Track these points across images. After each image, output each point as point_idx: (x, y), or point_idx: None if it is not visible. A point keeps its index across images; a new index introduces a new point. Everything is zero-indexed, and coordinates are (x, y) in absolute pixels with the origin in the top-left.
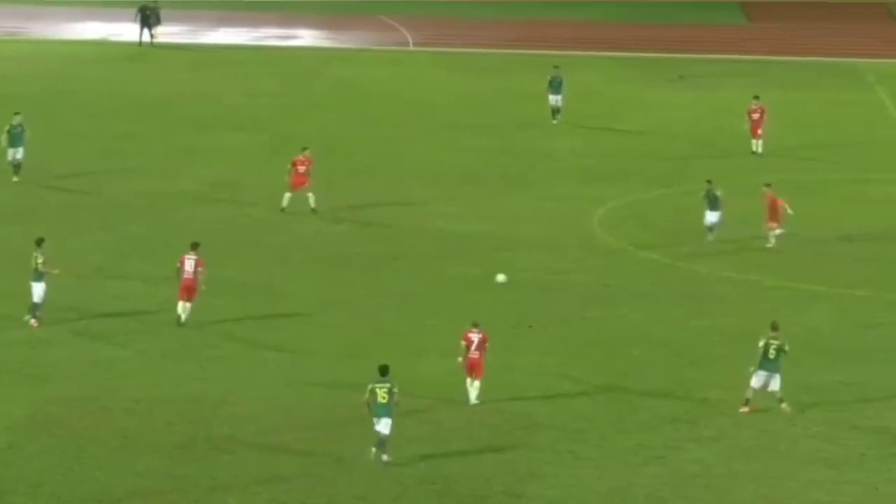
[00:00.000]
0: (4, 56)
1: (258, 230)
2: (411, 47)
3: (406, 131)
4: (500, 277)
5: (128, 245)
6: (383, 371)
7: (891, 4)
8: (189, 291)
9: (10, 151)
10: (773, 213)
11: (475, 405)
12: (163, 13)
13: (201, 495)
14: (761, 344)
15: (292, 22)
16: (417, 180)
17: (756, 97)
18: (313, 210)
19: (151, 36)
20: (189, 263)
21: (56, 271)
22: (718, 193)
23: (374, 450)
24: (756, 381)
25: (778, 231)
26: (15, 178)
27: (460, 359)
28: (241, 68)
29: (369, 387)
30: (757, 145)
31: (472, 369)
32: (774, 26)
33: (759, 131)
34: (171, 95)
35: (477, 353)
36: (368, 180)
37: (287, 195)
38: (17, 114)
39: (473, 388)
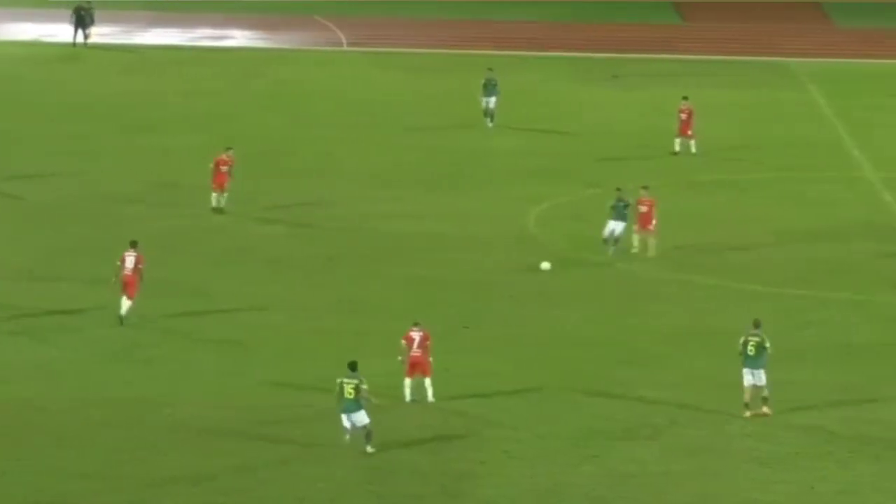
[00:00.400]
0: None
1: (197, 231)
2: (345, 47)
3: (343, 131)
4: (545, 265)
5: (64, 247)
6: (352, 367)
7: (825, 4)
8: (130, 288)
9: None
10: (647, 218)
11: (431, 402)
12: (95, 14)
13: (137, 496)
14: (741, 341)
15: (226, 22)
16: (355, 180)
17: (685, 98)
18: (221, 209)
19: (85, 37)
20: (129, 260)
21: None
22: (629, 202)
23: (346, 437)
24: (746, 380)
25: (651, 239)
26: None
27: (400, 358)
28: (177, 69)
29: (338, 381)
30: (685, 145)
31: (414, 367)
32: (708, 26)
33: (689, 132)
34: (107, 96)
35: (419, 351)
36: (306, 181)
37: (214, 195)
38: None
39: (427, 388)
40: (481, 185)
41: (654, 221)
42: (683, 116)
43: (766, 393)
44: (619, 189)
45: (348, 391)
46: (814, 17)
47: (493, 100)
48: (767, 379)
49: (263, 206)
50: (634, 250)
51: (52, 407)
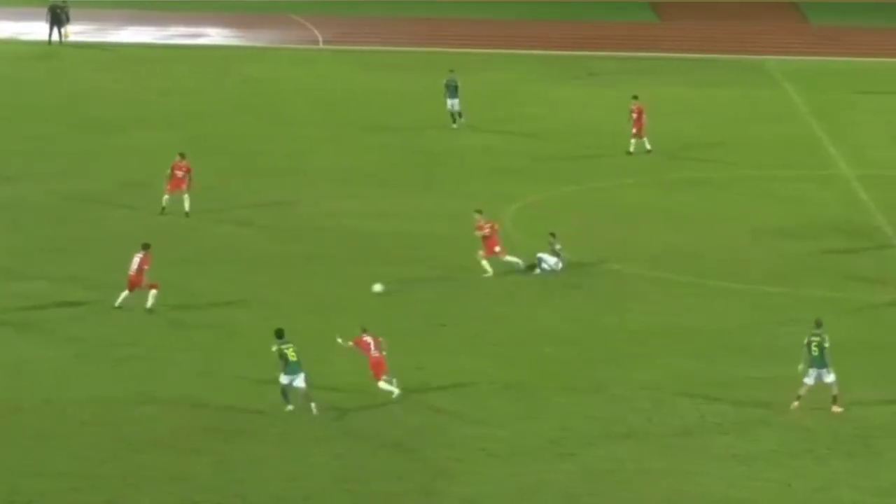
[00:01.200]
0: None
1: (169, 231)
2: (321, 45)
3: (317, 130)
4: (377, 287)
5: (37, 246)
6: (280, 334)
7: (800, 3)
8: (134, 287)
9: None
10: (492, 242)
11: (399, 395)
12: (71, 12)
13: (114, 495)
14: (805, 342)
15: (201, 20)
16: (328, 179)
17: (635, 97)
18: (187, 214)
19: (61, 35)
20: (135, 261)
21: None
22: (557, 248)
23: (289, 406)
24: (809, 378)
25: (510, 259)
26: None
27: (348, 343)
28: (151, 67)
29: (274, 349)
30: (640, 144)
31: (380, 368)
32: (684, 24)
33: (637, 131)
34: (82, 94)
35: (377, 352)
36: (279, 180)
37: (165, 197)
38: None
39: (391, 384)
40: (456, 184)
41: (498, 246)
42: (635, 116)
43: (835, 391)
44: (552, 234)
45: (292, 354)
46: (789, 15)
47: (456, 101)
48: (836, 377)
49: (235, 205)
50: (487, 275)
51: (27, 406)
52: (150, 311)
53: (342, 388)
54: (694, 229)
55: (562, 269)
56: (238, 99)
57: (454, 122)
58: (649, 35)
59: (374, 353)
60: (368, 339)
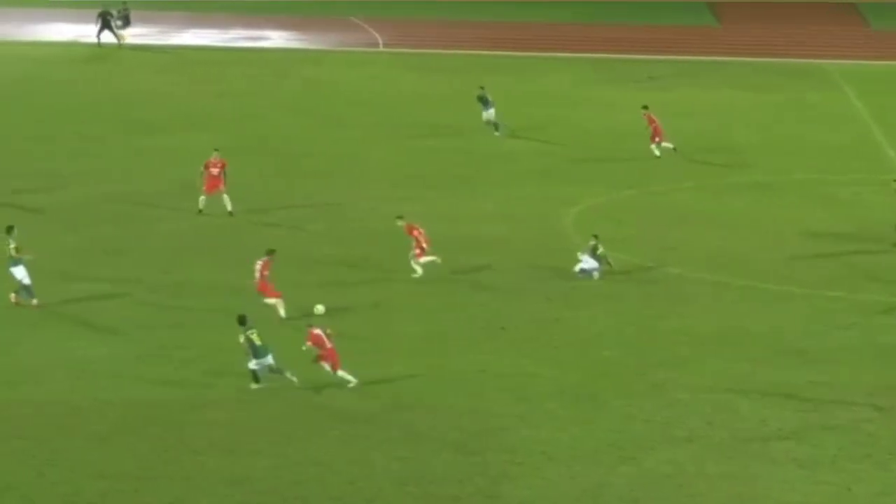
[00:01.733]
0: None
1: (226, 232)
2: (381, 48)
3: (370, 132)
4: (319, 308)
5: (95, 247)
6: (242, 320)
7: (860, 5)
8: (267, 292)
9: None
10: (418, 243)
11: (357, 384)
12: (133, 14)
13: (175, 497)
14: None
15: (262, 23)
16: (384, 181)
17: (645, 107)
18: (230, 213)
19: (118, 38)
20: (257, 266)
21: (29, 256)
22: (599, 249)
23: (256, 385)
24: None
25: (430, 258)
26: None
27: (307, 343)
28: (208, 69)
29: (242, 339)
30: (658, 150)
31: (335, 358)
32: (743, 27)
33: (658, 138)
34: (138, 96)
35: (330, 343)
36: (329, 181)
37: (202, 198)
38: None
39: (347, 374)
40: (514, 187)
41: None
42: (649, 124)
43: None
44: (595, 236)
45: (257, 338)
46: (849, 19)
47: (491, 112)
48: None
49: (284, 207)
50: (416, 275)
51: (88, 408)
52: (284, 320)
53: (403, 390)
54: (751, 233)
55: (598, 277)
56: (293, 101)
57: (496, 130)
58: (708, 38)
59: (328, 344)
60: (318, 331)
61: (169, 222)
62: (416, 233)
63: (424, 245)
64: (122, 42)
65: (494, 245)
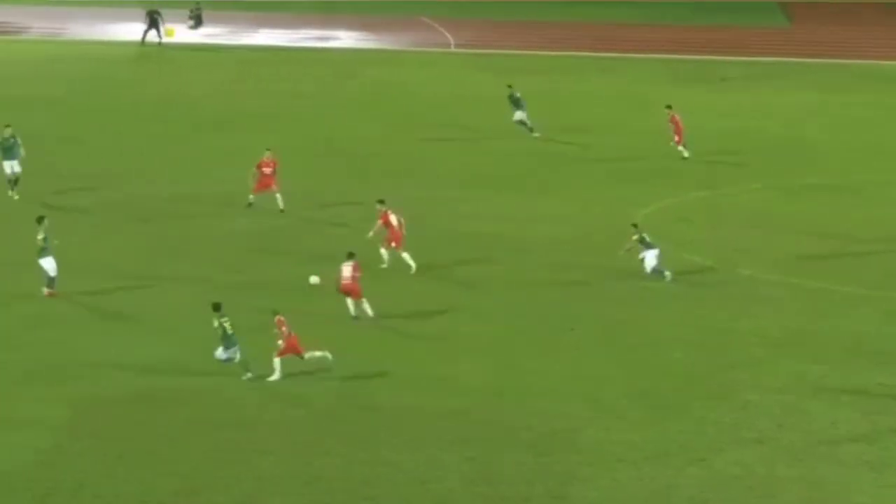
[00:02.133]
0: (43, 57)
1: (295, 231)
2: (452, 48)
3: (437, 132)
4: (313, 279)
5: (158, 247)
6: (217, 307)
7: None
8: (353, 293)
9: (7, 165)
10: (392, 232)
11: (331, 360)
12: (204, 14)
13: (246, 496)
14: None
15: (333, 23)
16: (454, 182)
17: (668, 106)
18: (282, 211)
19: (161, 37)
20: (346, 269)
21: (56, 241)
22: (646, 237)
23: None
24: None
25: (396, 252)
26: (11, 193)
27: (280, 342)
28: (277, 69)
29: (216, 324)
30: (683, 151)
31: (295, 344)
32: (815, 28)
33: (679, 138)
34: (207, 97)
35: (289, 329)
36: (402, 182)
37: (251, 196)
38: (7, 126)
39: (316, 353)
40: (585, 188)
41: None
42: (672, 125)
43: None
44: (635, 225)
45: (230, 327)
46: None
47: (523, 113)
48: None
49: (351, 207)
50: (384, 265)
51: (161, 406)
52: (374, 318)
53: (472, 390)
54: (823, 235)
55: (670, 277)
56: (361, 101)
57: (532, 132)
58: (780, 39)
59: (289, 335)
60: (281, 317)
61: (237, 222)
62: (389, 220)
63: (399, 234)
64: (161, 41)
65: (564, 246)
